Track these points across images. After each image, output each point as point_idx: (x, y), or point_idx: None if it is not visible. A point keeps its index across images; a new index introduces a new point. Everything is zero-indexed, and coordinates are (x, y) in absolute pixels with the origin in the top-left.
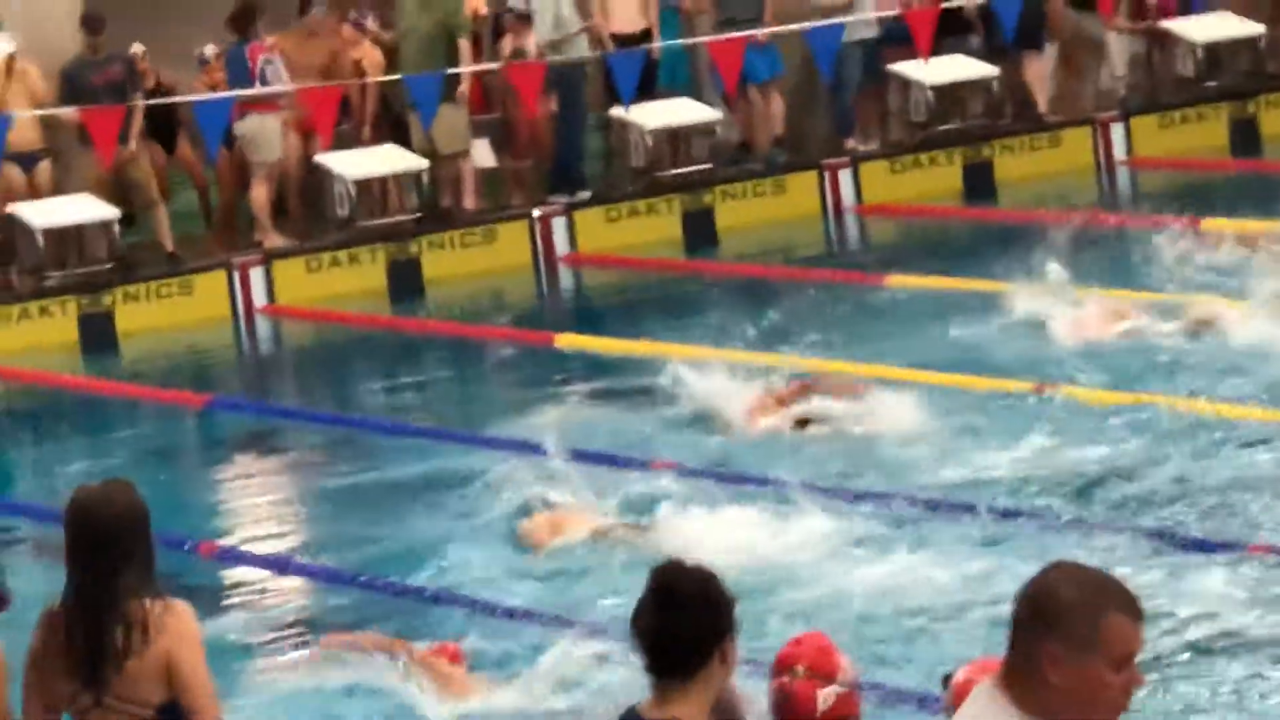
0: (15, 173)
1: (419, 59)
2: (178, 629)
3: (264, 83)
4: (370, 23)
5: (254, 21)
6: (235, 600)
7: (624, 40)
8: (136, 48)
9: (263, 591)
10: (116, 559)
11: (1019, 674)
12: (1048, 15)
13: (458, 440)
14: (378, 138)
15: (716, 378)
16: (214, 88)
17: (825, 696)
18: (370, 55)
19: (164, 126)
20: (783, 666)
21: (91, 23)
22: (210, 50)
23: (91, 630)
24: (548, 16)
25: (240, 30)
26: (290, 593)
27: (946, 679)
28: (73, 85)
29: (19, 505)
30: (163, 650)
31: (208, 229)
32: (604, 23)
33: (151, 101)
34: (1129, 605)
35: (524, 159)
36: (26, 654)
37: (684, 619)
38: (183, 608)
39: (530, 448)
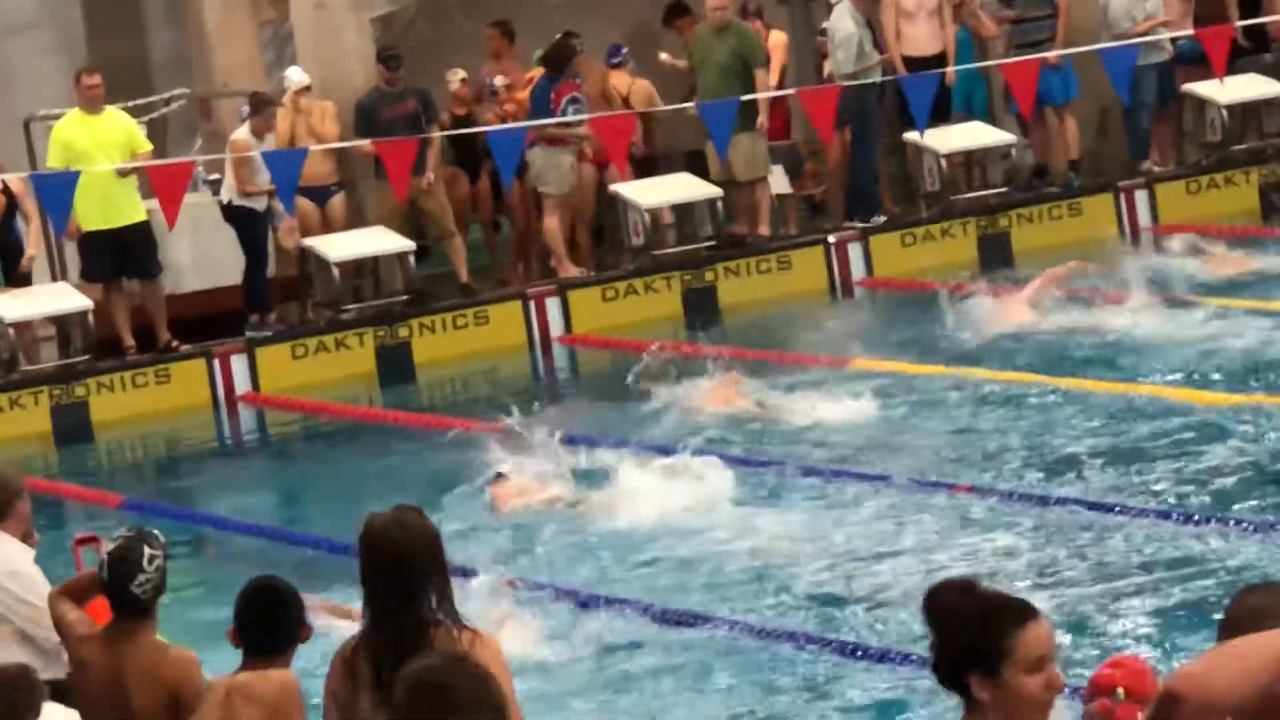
0: (309, 206)
1: (715, 88)
2: (487, 661)
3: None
4: (665, 57)
5: (569, 62)
6: (532, 632)
7: (918, 63)
8: (455, 74)
9: (559, 623)
10: (411, 582)
11: None
12: None
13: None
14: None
15: None
16: (504, 119)
17: None
18: (639, 87)
19: (471, 157)
20: (1101, 689)
21: (389, 58)
22: (500, 81)
23: (398, 657)
24: (851, 48)
25: (554, 69)
26: (587, 624)
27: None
28: (367, 118)
29: (320, 539)
30: None
31: (506, 257)
32: (898, 48)
33: (444, 133)
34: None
35: (818, 185)
36: (323, 689)
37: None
38: (493, 640)
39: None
